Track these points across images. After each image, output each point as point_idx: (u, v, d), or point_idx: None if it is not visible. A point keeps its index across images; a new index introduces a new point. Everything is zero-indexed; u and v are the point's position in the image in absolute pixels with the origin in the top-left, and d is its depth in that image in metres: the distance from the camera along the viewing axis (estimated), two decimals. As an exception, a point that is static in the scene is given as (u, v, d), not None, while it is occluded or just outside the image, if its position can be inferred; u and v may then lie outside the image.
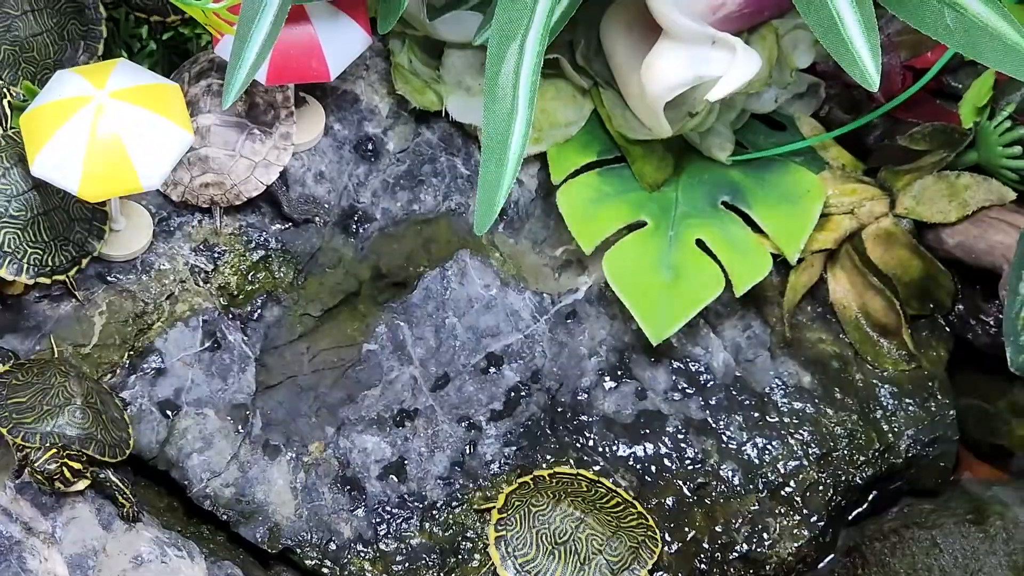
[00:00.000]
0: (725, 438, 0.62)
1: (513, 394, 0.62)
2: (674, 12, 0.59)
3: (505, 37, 0.56)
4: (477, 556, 0.60)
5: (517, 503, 0.61)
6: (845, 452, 0.62)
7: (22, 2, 0.63)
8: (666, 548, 0.61)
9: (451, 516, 0.60)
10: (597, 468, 0.63)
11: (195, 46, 0.68)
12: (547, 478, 0.61)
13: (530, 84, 0.55)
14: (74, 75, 0.60)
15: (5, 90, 0.60)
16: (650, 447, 0.63)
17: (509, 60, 0.56)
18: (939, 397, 0.65)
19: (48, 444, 0.57)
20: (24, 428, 0.58)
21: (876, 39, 0.54)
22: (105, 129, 0.57)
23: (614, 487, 0.61)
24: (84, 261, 0.61)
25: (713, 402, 0.63)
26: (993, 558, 0.62)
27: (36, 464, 0.57)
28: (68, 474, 0.57)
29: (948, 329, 0.68)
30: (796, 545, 0.60)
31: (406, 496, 0.60)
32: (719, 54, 0.59)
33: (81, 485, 0.58)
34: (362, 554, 0.59)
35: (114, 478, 0.60)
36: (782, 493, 0.61)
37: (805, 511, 0.62)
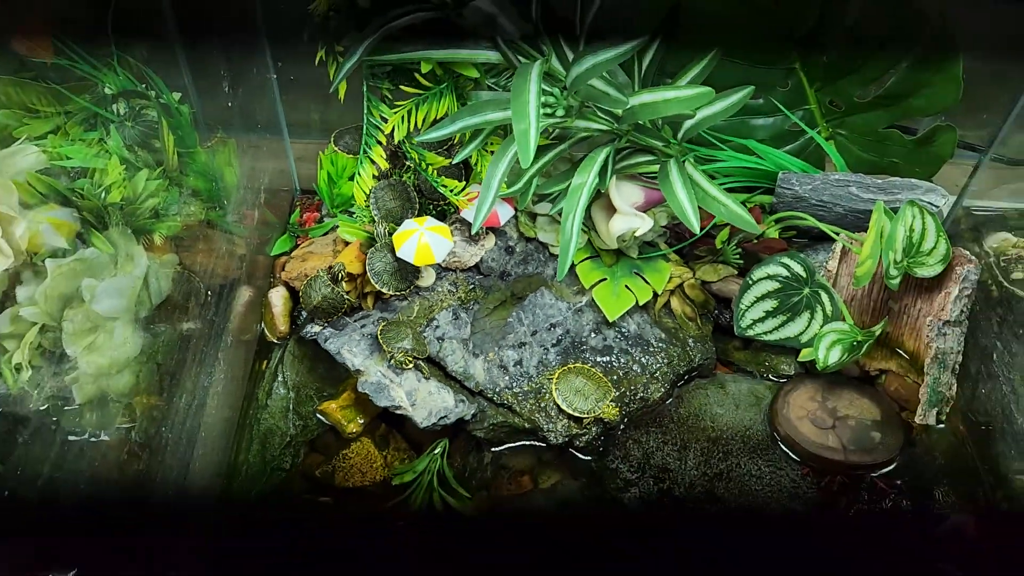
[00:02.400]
0: (634, 355, 1.19)
1: (559, 338, 1.20)
2: (621, 204, 1.17)
3: (569, 211, 1.08)
4: (547, 394, 1.15)
5: (561, 376, 1.16)
6: (676, 362, 1.20)
7: (390, 197, 1.24)
8: (615, 394, 1.17)
9: (538, 380, 1.17)
10: (590, 364, 1.19)
11: (449, 212, 1.27)
12: (573, 367, 1.17)
13: (579, 225, 1.08)
14: (413, 221, 1.18)
15: (386, 226, 1.34)
16: (607, 358, 1.20)
17: (571, 217, 1.09)
18: (708, 343, 1.23)
19: (400, 350, 1.17)
20: (392, 344, 1.19)
21: (697, 213, 1.14)
22: (423, 240, 1.17)
23: (595, 370, 1.17)
24: (411, 286, 1.22)
25: (631, 342, 1.20)
26: (727, 399, 1.22)
27: (397, 357, 1.18)
28: (406, 361, 1.16)
29: (712, 318, 1.27)
30: (659, 395, 1.19)
31: (523, 372, 1.17)
32: (638, 220, 1.17)
33: (410, 366, 1.15)
34: (506, 392, 1.16)
35: (422, 363, 1.16)
36: (655, 375, 1.19)
37: (663, 382, 1.20)
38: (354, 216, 1.33)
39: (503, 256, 1.31)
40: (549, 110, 1.04)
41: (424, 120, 1.13)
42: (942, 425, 1.21)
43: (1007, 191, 1.31)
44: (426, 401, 1.16)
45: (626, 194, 1.22)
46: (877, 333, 1.18)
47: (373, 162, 1.17)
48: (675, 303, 1.29)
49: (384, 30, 0.96)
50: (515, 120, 0.92)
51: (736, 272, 1.27)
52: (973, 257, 1.16)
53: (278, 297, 1.29)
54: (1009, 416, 1.13)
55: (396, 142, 1.14)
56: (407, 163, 1.26)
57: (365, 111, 1.13)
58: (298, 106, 1.39)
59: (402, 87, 1.11)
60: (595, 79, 1.01)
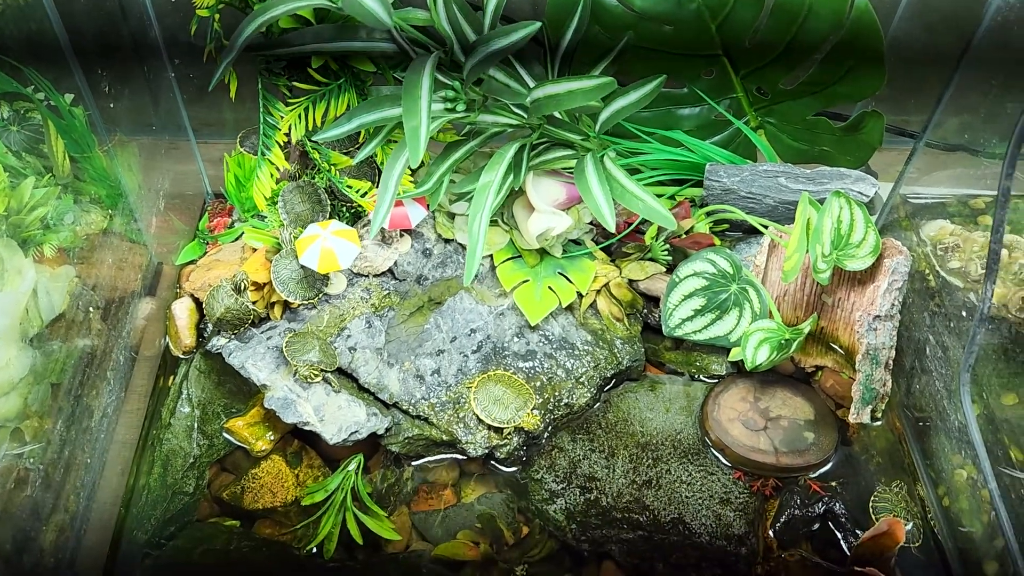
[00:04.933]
0: (559, 359, 1.16)
1: (480, 344, 1.17)
2: (539, 202, 1.17)
3: (476, 211, 1.05)
4: (466, 404, 1.12)
5: (481, 384, 1.13)
6: (603, 365, 1.17)
7: (299, 200, 1.20)
8: (537, 400, 1.13)
9: (457, 389, 1.13)
10: (512, 370, 1.15)
11: (363, 214, 1.23)
12: (493, 374, 1.14)
13: (486, 227, 1.05)
14: (316, 226, 1.16)
15: (292, 232, 1.29)
16: (530, 363, 1.16)
17: (478, 218, 1.06)
18: (637, 344, 1.21)
19: (305, 363, 1.16)
20: (297, 357, 1.19)
21: (613, 210, 1.06)
22: (327, 245, 1.16)
23: (516, 377, 1.14)
24: (320, 294, 1.20)
25: (555, 346, 1.17)
26: (657, 402, 1.19)
27: (301, 371, 1.16)
28: (312, 375, 1.14)
29: (641, 318, 1.24)
30: (585, 400, 1.16)
31: (440, 382, 1.14)
32: (556, 218, 1.17)
33: (317, 379, 1.12)
34: (423, 402, 1.12)
35: (331, 376, 1.12)
36: (581, 380, 1.16)
37: (589, 387, 1.16)
38: (266, 221, 1.28)
39: (420, 259, 1.26)
40: (450, 104, 1.00)
41: (324, 118, 1.08)
42: (878, 422, 1.19)
43: (945, 177, 1.28)
44: (335, 416, 1.11)
45: (544, 191, 1.18)
46: (806, 331, 1.14)
47: (273, 164, 1.12)
48: (601, 303, 1.25)
49: (262, 21, 0.91)
50: (406, 117, 0.87)
51: (664, 269, 1.24)
52: (904, 248, 1.13)
53: (182, 309, 1.23)
54: (943, 412, 1.10)
55: (295, 142, 1.09)
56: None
57: (261, 110, 1.08)
58: (211, 106, 1.33)
59: (295, 84, 1.05)
60: (496, 71, 0.97)
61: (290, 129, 1.06)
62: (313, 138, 1.03)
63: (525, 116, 1.06)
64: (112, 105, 1.15)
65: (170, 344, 1.25)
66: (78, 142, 1.14)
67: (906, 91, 1.23)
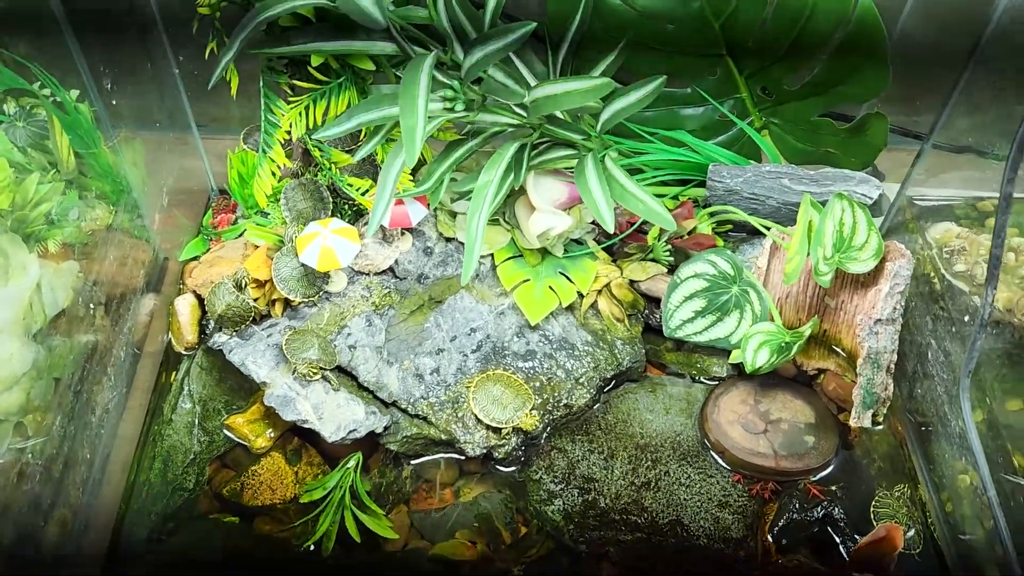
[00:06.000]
0: (558, 360, 1.16)
1: (480, 343, 1.17)
2: (539, 202, 1.16)
3: (474, 210, 1.05)
4: (465, 404, 1.12)
5: (480, 384, 1.13)
6: (603, 365, 1.17)
7: (301, 197, 1.20)
8: (536, 401, 1.13)
9: (456, 388, 1.13)
10: (512, 370, 1.15)
11: (365, 212, 1.22)
12: (492, 374, 1.14)
13: (483, 226, 1.04)
14: (316, 224, 1.15)
15: (295, 229, 1.29)
16: (530, 363, 1.16)
17: (476, 218, 1.05)
18: (638, 345, 1.20)
19: (304, 361, 1.14)
20: (297, 355, 1.17)
21: (612, 210, 1.05)
22: (327, 244, 1.15)
23: (515, 377, 1.14)
24: (321, 292, 1.19)
25: (555, 346, 1.17)
26: (657, 404, 1.20)
27: (300, 369, 1.13)
28: (310, 373, 1.11)
29: (642, 318, 1.24)
30: (584, 401, 1.16)
31: (440, 381, 1.14)
32: (557, 218, 1.16)
33: (316, 377, 1.12)
34: (422, 401, 1.13)
35: (330, 374, 1.12)
36: (581, 381, 1.16)
37: (589, 387, 1.16)
38: (268, 218, 1.29)
39: (420, 258, 1.27)
40: (449, 104, 1.00)
41: (325, 116, 1.09)
42: (880, 426, 1.18)
43: (952, 179, 1.27)
44: (334, 414, 1.12)
45: (545, 191, 1.18)
46: (806, 334, 1.14)
47: (274, 161, 1.13)
48: (602, 304, 1.25)
49: (261, 19, 0.92)
50: (403, 116, 0.88)
51: (666, 270, 1.23)
52: (907, 252, 1.12)
53: (185, 305, 1.24)
54: (944, 417, 1.10)
55: (295, 140, 1.10)
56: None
57: (263, 108, 1.09)
58: (217, 102, 1.34)
59: (296, 82, 1.06)
60: (494, 71, 0.97)
61: (291, 127, 1.06)
62: (313, 136, 1.04)
63: (525, 116, 1.06)
64: (117, 101, 1.16)
65: (172, 340, 1.26)
66: (83, 138, 1.15)
67: (914, 91, 1.22)
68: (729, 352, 1.20)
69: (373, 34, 0.97)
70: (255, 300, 1.19)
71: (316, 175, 1.24)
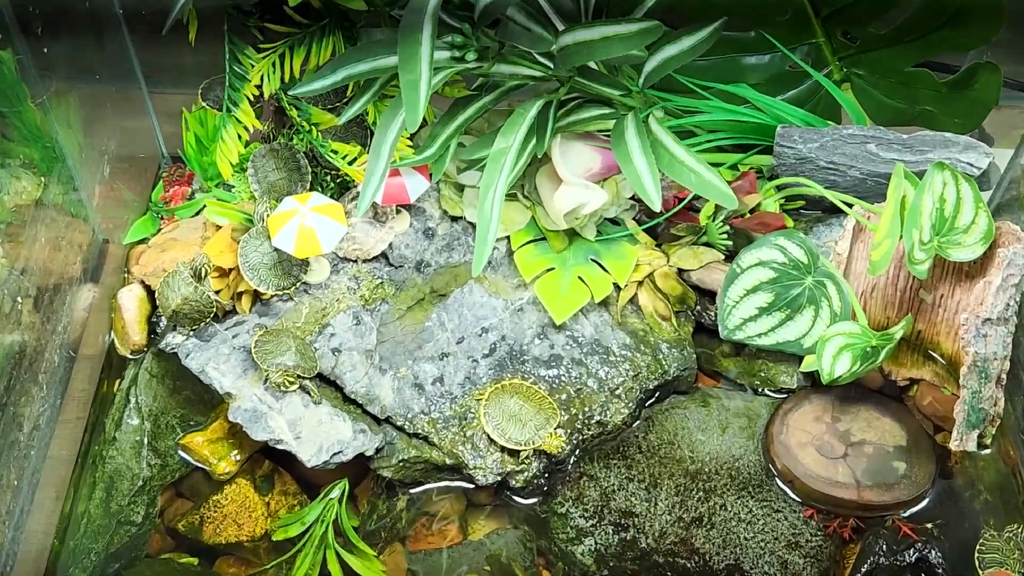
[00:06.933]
0: (590, 367, 1.16)
1: (493, 346, 1.17)
2: (567, 173, 1.16)
3: (489, 183, 1.05)
4: (475, 420, 1.13)
5: (493, 396, 1.13)
6: (645, 374, 1.18)
7: (273, 167, 1.19)
8: (562, 417, 1.13)
9: (464, 401, 1.14)
10: (531, 379, 1.15)
11: (352, 185, 1.23)
12: (507, 384, 1.14)
13: (500, 204, 1.04)
14: (293, 200, 1.14)
15: (266, 206, 1.28)
16: (554, 371, 1.17)
17: (491, 193, 1.05)
18: (688, 349, 1.21)
19: (278, 368, 1.11)
20: (268, 360, 1.13)
21: (658, 183, 1.05)
22: (305, 224, 1.12)
23: (536, 388, 1.14)
24: (298, 283, 1.18)
25: (585, 350, 1.17)
26: (711, 421, 1.20)
27: (273, 378, 1.12)
28: (286, 383, 1.11)
29: (693, 316, 1.25)
30: (622, 417, 1.16)
31: (443, 392, 1.14)
32: (588, 193, 1.15)
33: (293, 388, 1.11)
34: (423, 417, 1.13)
35: (309, 384, 1.12)
36: (617, 393, 1.16)
37: (627, 401, 1.17)
38: (232, 191, 1.29)
39: (420, 241, 1.27)
40: (458, 52, 1.00)
41: (304, 67, 1.09)
42: (987, 450, 1.18)
43: (1079, 144, 1.27)
44: (315, 433, 1.12)
45: (574, 159, 1.18)
46: (897, 336, 1.14)
47: (241, 122, 1.13)
48: (644, 298, 1.25)
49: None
50: (401, 68, 0.88)
51: (723, 257, 1.23)
52: (1023, 235, 1.11)
53: (131, 299, 1.25)
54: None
55: (267, 97, 1.10)
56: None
57: (227, 56, 1.09)
58: (169, 49, 1.34)
59: (268, 25, 1.06)
60: (515, 11, 0.96)
61: (262, 80, 1.06)
62: (290, 92, 1.04)
63: (551, 67, 1.06)
64: (48, 48, 1.16)
65: (116, 341, 1.27)
66: (5, 93, 1.16)
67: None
68: (801, 358, 1.20)
69: (364, -35, 0.97)
70: (217, 293, 1.20)
71: (292, 139, 1.24)
